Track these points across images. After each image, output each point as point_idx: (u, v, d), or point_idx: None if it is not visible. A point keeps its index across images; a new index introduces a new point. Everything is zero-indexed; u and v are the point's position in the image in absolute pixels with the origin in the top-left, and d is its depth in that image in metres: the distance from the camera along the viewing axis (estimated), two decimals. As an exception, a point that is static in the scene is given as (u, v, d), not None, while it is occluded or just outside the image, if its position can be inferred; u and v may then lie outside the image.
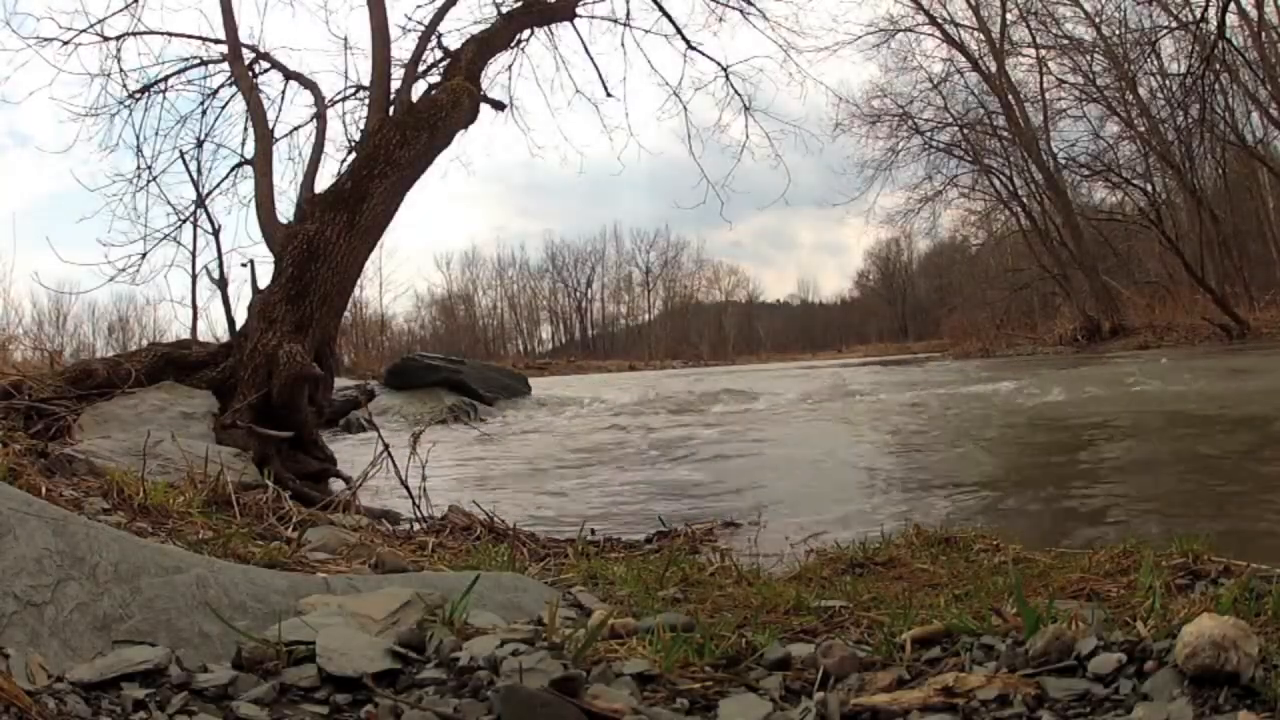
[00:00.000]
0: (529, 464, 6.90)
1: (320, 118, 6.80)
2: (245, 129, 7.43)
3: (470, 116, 6.55)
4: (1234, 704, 1.03)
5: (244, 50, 7.05)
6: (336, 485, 4.94)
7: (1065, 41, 25.22)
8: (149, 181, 7.74)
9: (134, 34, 7.61)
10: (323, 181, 5.96)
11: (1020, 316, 30.68)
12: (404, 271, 77.09)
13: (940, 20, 26.20)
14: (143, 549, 1.54)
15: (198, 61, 7.71)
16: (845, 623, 1.71)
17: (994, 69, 25.97)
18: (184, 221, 7.29)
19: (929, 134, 27.66)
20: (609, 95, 9.56)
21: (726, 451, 6.89)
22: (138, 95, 7.75)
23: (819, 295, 65.65)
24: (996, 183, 28.74)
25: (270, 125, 6.73)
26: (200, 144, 7.70)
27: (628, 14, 9.30)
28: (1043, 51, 25.88)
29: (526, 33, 8.52)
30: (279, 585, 1.65)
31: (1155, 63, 21.83)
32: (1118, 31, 22.29)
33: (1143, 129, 24.27)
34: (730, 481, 5.33)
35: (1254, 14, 19.31)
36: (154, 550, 1.58)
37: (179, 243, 7.28)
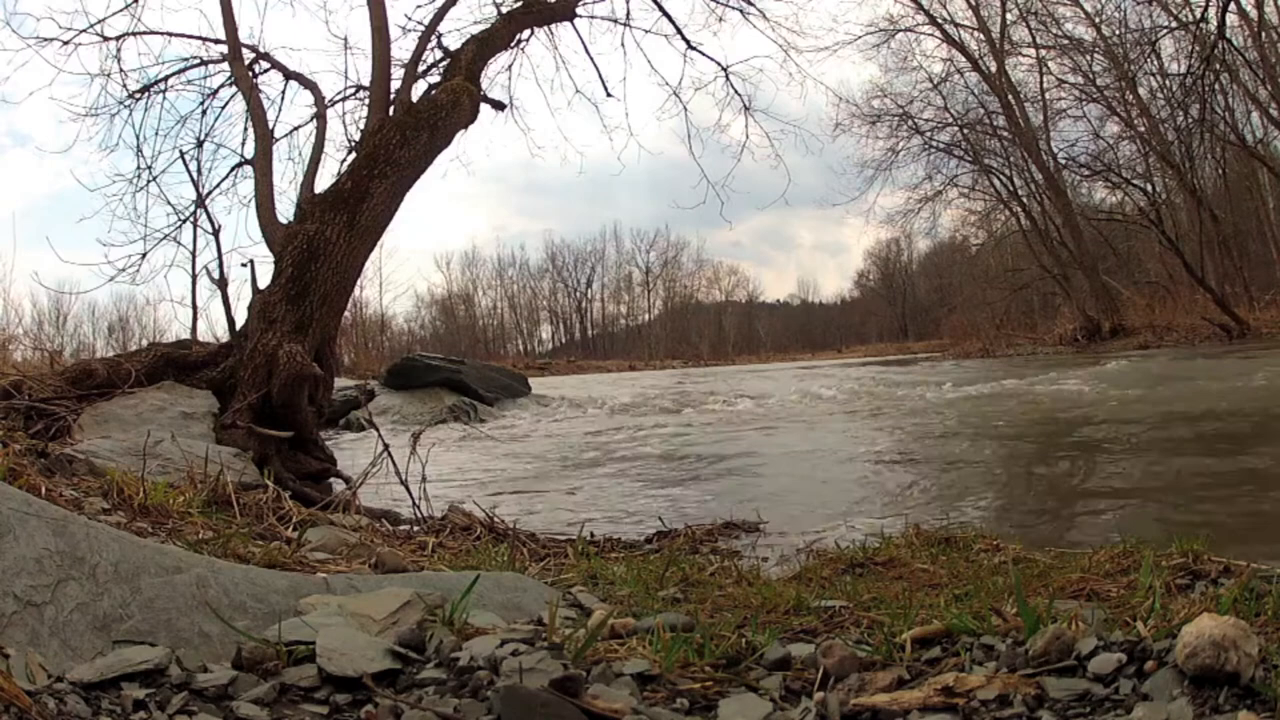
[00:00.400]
0: (529, 464, 6.89)
1: (320, 118, 6.81)
2: (245, 129, 7.46)
3: (470, 116, 6.56)
4: (1234, 704, 1.03)
5: (244, 50, 7.06)
6: (336, 485, 4.94)
7: (1065, 41, 25.25)
8: (149, 181, 7.77)
9: (134, 34, 7.64)
10: (323, 181, 5.98)
11: (1020, 316, 30.70)
12: (404, 271, 77.13)
13: (940, 20, 26.23)
14: (143, 549, 1.54)
15: (198, 61, 7.74)
16: (845, 623, 1.70)
17: (994, 69, 25.97)
18: (184, 221, 7.33)
19: (929, 134, 27.73)
20: (609, 95, 9.61)
21: (726, 451, 6.89)
22: (138, 95, 7.77)
23: (819, 295, 65.94)
24: (996, 183, 28.78)
25: (270, 125, 6.75)
26: (200, 144, 7.73)
27: (628, 14, 9.34)
28: (1043, 51, 25.93)
29: (526, 33, 8.55)
30: (279, 585, 1.65)
31: (1155, 63, 21.82)
32: (1118, 31, 22.28)
33: (1143, 129, 24.29)
34: (730, 481, 5.33)
35: (1254, 14, 19.30)
36: (154, 550, 1.58)
37: (179, 243, 7.32)
